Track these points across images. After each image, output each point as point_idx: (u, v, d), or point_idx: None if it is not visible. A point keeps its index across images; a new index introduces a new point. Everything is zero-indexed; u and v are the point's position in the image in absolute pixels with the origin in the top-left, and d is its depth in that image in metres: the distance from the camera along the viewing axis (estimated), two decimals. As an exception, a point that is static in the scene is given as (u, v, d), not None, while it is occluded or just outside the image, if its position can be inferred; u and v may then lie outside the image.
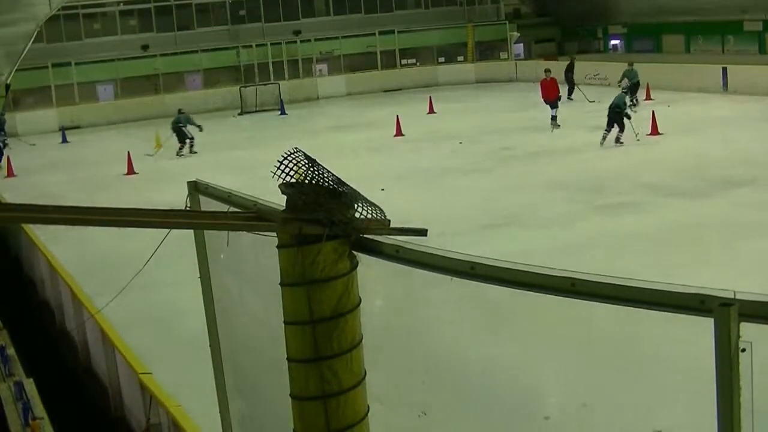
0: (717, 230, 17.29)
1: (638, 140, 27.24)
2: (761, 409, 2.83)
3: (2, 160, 34.22)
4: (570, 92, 39.65)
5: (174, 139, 33.25)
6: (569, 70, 41.59)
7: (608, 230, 17.67)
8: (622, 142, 27.34)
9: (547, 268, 3.32)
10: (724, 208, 18.75)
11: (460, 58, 55.28)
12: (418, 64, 54.78)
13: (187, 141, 33.20)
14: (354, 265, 4.14)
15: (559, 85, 33.74)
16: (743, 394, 2.75)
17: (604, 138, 27.24)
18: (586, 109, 36.00)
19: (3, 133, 40.20)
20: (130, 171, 29.86)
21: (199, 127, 33.01)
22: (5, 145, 36.17)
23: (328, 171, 4.20)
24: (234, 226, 4.59)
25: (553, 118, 31.61)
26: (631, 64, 36.33)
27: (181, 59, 50.93)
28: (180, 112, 34.15)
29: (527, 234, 17.87)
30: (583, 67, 47.00)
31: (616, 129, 27.04)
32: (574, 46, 55.94)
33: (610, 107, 27.60)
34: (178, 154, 32.95)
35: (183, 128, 33.09)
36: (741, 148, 25.12)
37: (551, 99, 32.09)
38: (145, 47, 50.32)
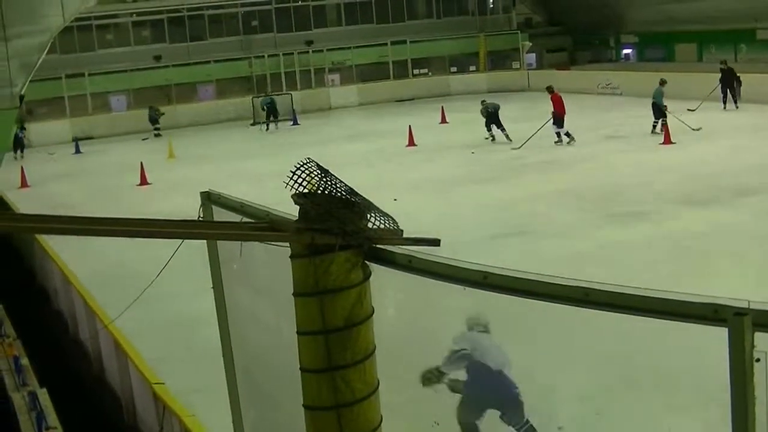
0: (730, 239, 17.21)
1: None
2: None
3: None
4: (735, 100, 35.65)
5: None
6: (731, 75, 36.16)
7: (621, 239, 17.62)
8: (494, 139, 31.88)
9: (559, 277, 3.31)
10: (737, 216, 18.69)
11: (473, 68, 55.31)
12: (430, 73, 54.82)
13: None
14: (367, 275, 4.14)
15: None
16: (758, 403, 2.74)
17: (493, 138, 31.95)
18: (604, 118, 36.02)
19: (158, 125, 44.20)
20: (143, 181, 29.94)
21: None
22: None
23: (341, 181, 4.20)
24: (247, 236, 4.60)
25: (566, 134, 30.33)
26: (483, 102, 33.52)
27: (193, 70, 51.11)
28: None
29: (539, 243, 17.84)
30: (595, 77, 46.94)
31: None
32: (586, 56, 55.92)
33: (487, 115, 32.37)
34: None
35: None
36: (754, 157, 25.04)
37: (561, 115, 30.73)
38: (157, 58, 50.50)
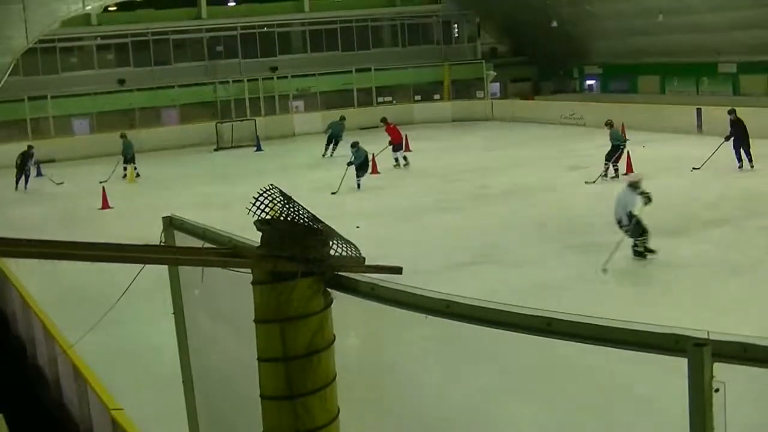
0: (690, 269, 17.36)
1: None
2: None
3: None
4: (750, 158, 28.54)
5: None
6: (742, 127, 28.91)
7: (583, 269, 17.70)
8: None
9: (523, 307, 3.32)
10: (698, 247, 18.84)
11: (437, 97, 55.49)
12: (394, 101, 54.88)
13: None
14: (328, 303, 4.13)
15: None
16: (717, 434, 2.75)
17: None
18: (567, 148, 36.27)
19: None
20: (105, 205, 29.73)
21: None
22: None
23: (304, 208, 4.20)
24: (209, 262, 4.58)
25: (403, 158, 35.26)
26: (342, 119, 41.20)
27: (157, 94, 50.93)
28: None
29: (502, 273, 17.89)
30: (558, 107, 47.29)
31: None
32: (550, 86, 56.33)
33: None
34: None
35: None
36: (715, 189, 25.29)
37: (398, 142, 35.35)
38: (121, 82, 50.30)
